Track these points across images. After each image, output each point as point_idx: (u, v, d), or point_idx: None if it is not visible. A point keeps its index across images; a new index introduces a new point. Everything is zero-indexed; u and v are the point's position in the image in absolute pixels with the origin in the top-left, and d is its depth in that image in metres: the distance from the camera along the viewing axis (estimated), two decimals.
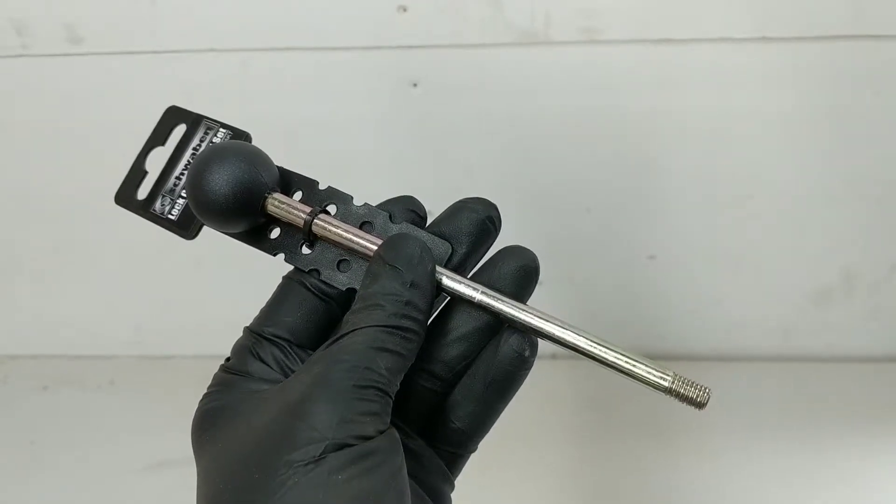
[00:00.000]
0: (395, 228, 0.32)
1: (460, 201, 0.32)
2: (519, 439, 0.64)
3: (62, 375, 0.75)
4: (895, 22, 0.56)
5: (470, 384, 0.31)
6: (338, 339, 0.28)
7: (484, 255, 0.33)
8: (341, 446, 0.26)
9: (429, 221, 0.33)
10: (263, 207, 0.32)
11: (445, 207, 0.33)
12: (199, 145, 0.35)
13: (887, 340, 0.71)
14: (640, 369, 0.29)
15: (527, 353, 0.30)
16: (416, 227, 0.32)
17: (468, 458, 0.33)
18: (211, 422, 0.30)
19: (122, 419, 0.70)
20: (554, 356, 0.72)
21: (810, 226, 0.65)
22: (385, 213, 0.32)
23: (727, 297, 0.70)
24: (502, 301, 0.30)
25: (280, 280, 0.33)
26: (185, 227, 0.35)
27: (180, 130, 0.36)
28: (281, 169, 0.34)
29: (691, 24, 0.57)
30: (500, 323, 0.31)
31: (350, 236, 0.31)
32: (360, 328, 0.28)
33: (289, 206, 0.32)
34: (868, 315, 0.69)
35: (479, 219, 0.32)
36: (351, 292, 0.32)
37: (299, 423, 0.26)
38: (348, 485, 0.25)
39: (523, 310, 0.30)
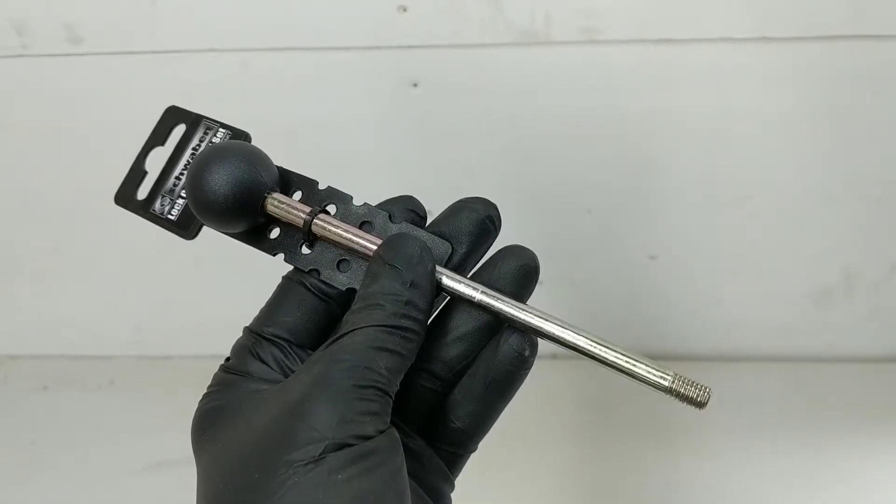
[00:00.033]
0: (394, 228, 0.32)
1: (460, 201, 0.32)
2: (519, 439, 0.64)
3: (62, 375, 0.75)
4: (895, 22, 0.56)
5: (470, 384, 0.31)
6: (337, 339, 0.28)
7: (484, 254, 0.33)
8: (341, 446, 0.26)
9: (429, 221, 0.33)
10: (263, 207, 0.32)
11: (445, 207, 0.33)
12: (199, 145, 0.35)
13: (887, 340, 0.71)
14: (641, 369, 0.29)
15: (527, 353, 0.30)
16: (415, 227, 0.32)
17: (468, 457, 0.33)
18: (211, 422, 0.30)
19: (122, 419, 0.70)
20: (554, 356, 0.72)
21: (810, 226, 0.65)
22: (385, 213, 0.32)
23: (727, 297, 0.70)
24: (502, 301, 0.30)
25: (280, 280, 0.33)
26: (185, 227, 0.35)
27: (180, 130, 0.36)
28: (280, 169, 0.34)
29: (691, 24, 0.57)
30: (500, 322, 0.31)
31: (350, 236, 0.31)
32: (360, 328, 0.28)
33: (288, 206, 0.32)
34: (868, 315, 0.69)
35: (479, 218, 0.32)
36: (351, 292, 0.32)
37: (299, 423, 0.26)
38: (348, 484, 0.25)
39: (523, 309, 0.30)
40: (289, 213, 0.32)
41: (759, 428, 0.65)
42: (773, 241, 0.66)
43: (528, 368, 0.31)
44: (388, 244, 0.30)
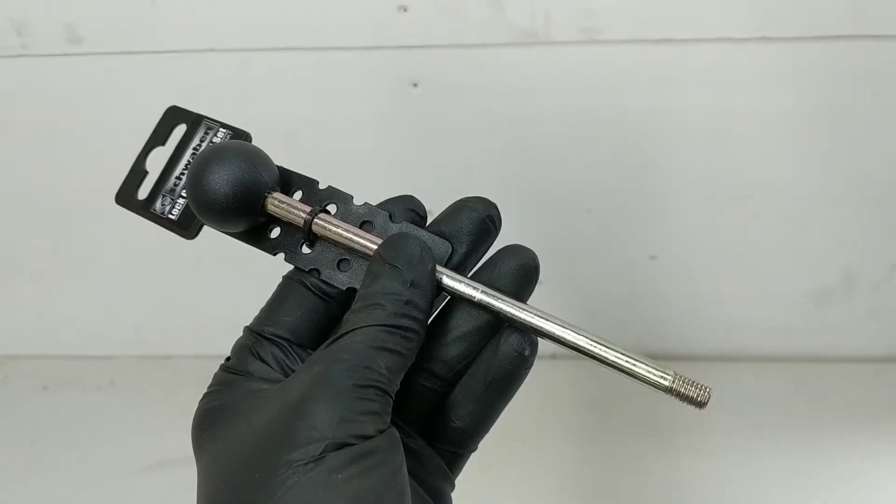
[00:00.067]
0: (395, 228, 0.32)
1: (460, 200, 0.32)
2: (519, 439, 0.64)
3: (62, 375, 0.75)
4: (895, 22, 0.56)
5: (470, 383, 0.31)
6: (338, 339, 0.28)
7: (484, 254, 0.33)
8: (341, 445, 0.26)
9: (429, 221, 0.33)
10: (263, 207, 0.32)
11: (445, 207, 0.33)
12: (200, 145, 0.35)
13: (887, 340, 0.71)
14: (641, 368, 0.29)
15: (527, 353, 0.30)
16: (416, 227, 0.32)
17: (468, 457, 0.33)
18: (211, 421, 0.30)
19: (122, 419, 0.70)
20: (554, 356, 0.72)
21: (810, 226, 0.65)
22: (385, 213, 0.32)
23: (727, 297, 0.70)
24: (502, 300, 0.30)
25: (280, 280, 0.33)
26: (186, 226, 0.35)
27: (181, 130, 0.36)
28: (281, 168, 0.34)
29: (691, 24, 0.57)
30: (501, 322, 0.31)
31: (350, 236, 0.31)
32: (361, 327, 0.28)
33: (289, 206, 0.32)
34: (868, 315, 0.69)
35: (480, 218, 0.32)
36: (351, 292, 0.32)
37: (299, 423, 0.26)
38: (348, 484, 0.25)
39: (523, 309, 0.30)
40: (289, 212, 0.32)
41: (759, 428, 0.65)
42: (773, 241, 0.66)
43: (529, 368, 0.31)
44: (389, 244, 0.30)
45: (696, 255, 0.67)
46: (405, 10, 0.58)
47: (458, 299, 0.31)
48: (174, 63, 0.61)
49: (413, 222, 0.32)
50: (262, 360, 0.31)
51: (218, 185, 0.31)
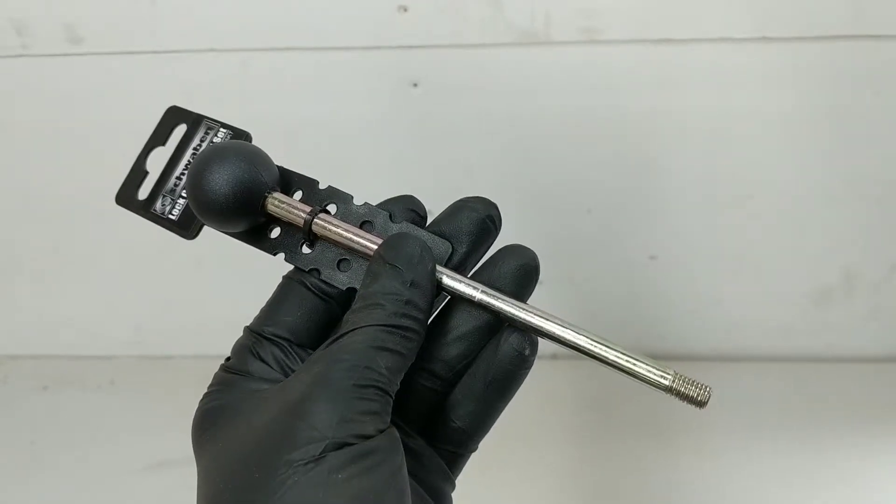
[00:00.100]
0: (395, 228, 0.32)
1: (460, 200, 0.33)
2: (519, 439, 0.64)
3: (62, 375, 0.75)
4: (895, 22, 0.56)
5: (470, 383, 0.31)
6: (338, 339, 0.28)
7: (484, 254, 0.33)
8: (341, 445, 0.26)
9: (429, 221, 0.33)
10: (263, 207, 0.32)
11: (445, 207, 0.33)
12: (200, 145, 0.35)
13: (887, 340, 0.71)
14: (641, 368, 0.29)
15: (527, 352, 0.30)
16: (416, 227, 0.32)
17: (468, 457, 0.33)
18: (211, 421, 0.30)
19: (122, 419, 0.70)
20: (554, 356, 0.72)
21: (810, 226, 0.65)
22: (385, 213, 0.32)
23: (727, 297, 0.70)
24: (502, 300, 0.30)
25: (280, 280, 0.33)
26: (186, 227, 0.35)
27: (181, 130, 0.36)
28: (281, 168, 0.34)
29: (691, 24, 0.57)
30: (501, 322, 0.31)
31: (350, 236, 0.31)
32: (361, 327, 0.28)
33: (289, 206, 0.32)
34: (868, 315, 0.69)
35: (480, 218, 0.32)
36: (351, 292, 0.32)
37: (299, 423, 0.26)
38: (348, 484, 0.25)
39: (523, 309, 0.30)
40: (289, 212, 0.32)
41: (759, 428, 0.65)
42: (773, 241, 0.66)
43: (529, 368, 0.31)
44: (389, 244, 0.30)
45: (696, 255, 0.67)
46: (405, 10, 0.58)
47: (458, 299, 0.31)
48: (174, 63, 0.61)
49: (413, 222, 0.32)
50: (262, 360, 0.31)
51: (218, 185, 0.31)
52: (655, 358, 0.30)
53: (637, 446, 0.64)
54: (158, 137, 0.37)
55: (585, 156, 0.63)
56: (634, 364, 0.29)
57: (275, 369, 0.30)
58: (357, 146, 0.64)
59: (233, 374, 0.31)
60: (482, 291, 0.30)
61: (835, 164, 0.62)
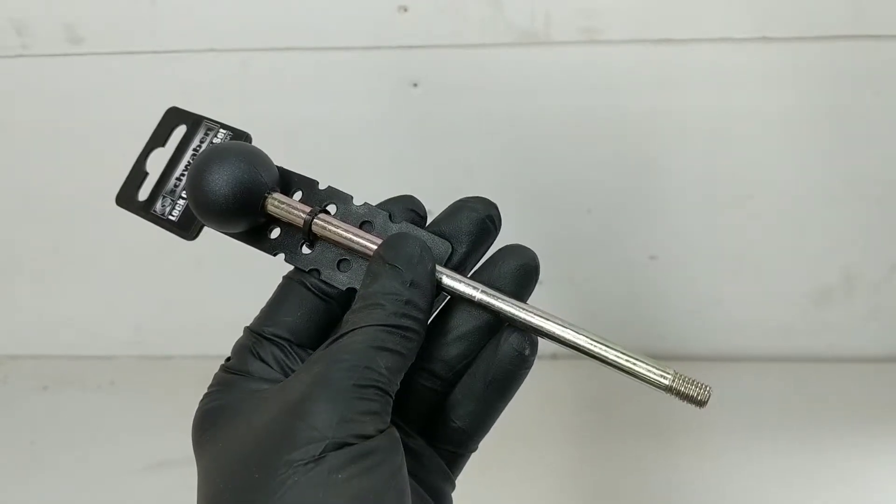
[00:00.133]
0: (395, 228, 0.32)
1: (460, 200, 0.33)
2: (519, 439, 0.64)
3: (62, 375, 0.75)
4: (895, 22, 0.56)
5: (470, 383, 0.31)
6: (338, 339, 0.29)
7: (484, 254, 0.33)
8: (341, 445, 0.26)
9: (429, 221, 0.33)
10: (263, 207, 0.32)
11: (445, 207, 0.33)
12: (200, 146, 0.35)
13: (887, 340, 0.71)
14: (641, 367, 0.29)
15: (527, 352, 0.30)
16: (415, 227, 0.32)
17: (469, 457, 0.33)
18: (211, 421, 0.30)
19: (122, 419, 0.70)
20: (554, 356, 0.72)
21: (810, 226, 0.65)
22: (385, 213, 0.33)
23: (727, 298, 0.70)
24: (502, 300, 0.30)
25: (280, 280, 0.33)
26: (186, 227, 0.35)
27: (181, 131, 0.36)
28: (281, 169, 0.34)
29: (691, 24, 0.57)
30: (501, 322, 0.31)
31: (350, 236, 0.32)
32: (360, 327, 0.28)
33: (289, 206, 0.32)
34: (868, 315, 0.69)
35: (479, 218, 0.32)
36: (351, 292, 0.32)
37: (299, 423, 0.26)
38: (348, 484, 0.25)
39: (523, 308, 0.30)
40: (289, 212, 0.32)
41: (759, 428, 0.65)
42: (773, 241, 0.66)
43: (529, 367, 0.31)
44: (389, 244, 0.30)
45: (696, 255, 0.67)
46: (405, 10, 0.58)
47: (458, 299, 0.31)
48: (174, 63, 0.61)
49: (413, 222, 0.32)
50: (262, 361, 0.31)
51: (218, 185, 0.31)
52: (655, 358, 0.30)
53: (637, 446, 0.64)
54: (158, 138, 0.37)
55: (585, 156, 0.63)
56: (634, 364, 0.29)
57: (275, 369, 0.30)
58: (357, 146, 0.64)
59: (233, 374, 0.31)
60: (482, 291, 0.30)
61: (835, 164, 0.62)
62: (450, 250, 0.31)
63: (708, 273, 0.69)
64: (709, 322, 0.71)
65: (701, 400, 0.29)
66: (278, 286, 0.33)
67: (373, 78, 0.61)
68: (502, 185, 0.65)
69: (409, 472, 0.29)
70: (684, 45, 0.58)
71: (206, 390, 0.31)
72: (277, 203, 0.32)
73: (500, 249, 0.32)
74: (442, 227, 0.32)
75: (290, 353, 0.31)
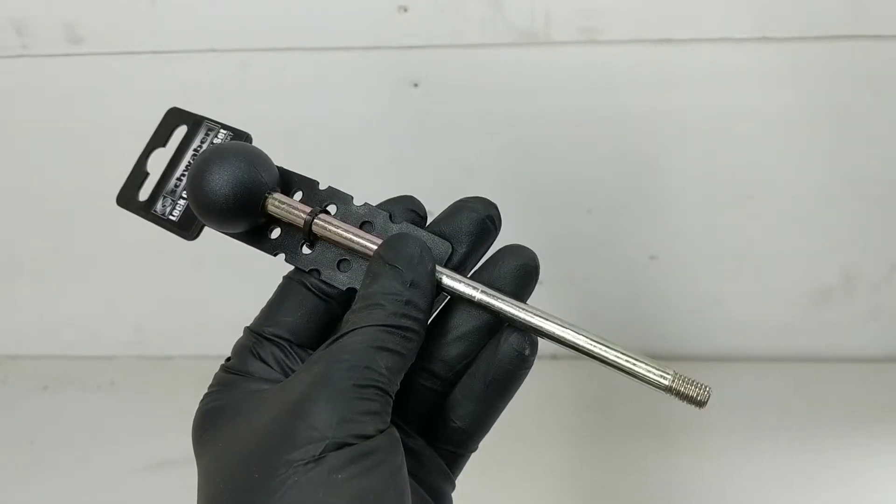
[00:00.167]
0: (395, 228, 0.32)
1: (460, 200, 0.33)
2: (519, 439, 0.64)
3: (62, 375, 0.75)
4: (895, 22, 0.56)
5: (470, 383, 0.31)
6: (338, 339, 0.29)
7: (484, 254, 0.33)
8: (341, 445, 0.26)
9: (429, 221, 0.33)
10: (264, 207, 0.32)
11: (445, 207, 0.33)
12: (200, 146, 0.35)
13: (887, 340, 0.71)
14: (641, 367, 0.29)
15: (527, 352, 0.30)
16: (416, 227, 0.32)
17: (469, 457, 0.33)
18: (211, 422, 0.30)
19: (122, 419, 0.70)
20: (554, 356, 0.72)
21: (810, 226, 0.65)
22: (385, 213, 0.33)
23: (727, 298, 0.70)
24: (502, 300, 0.30)
25: (280, 280, 0.33)
26: (187, 227, 0.35)
27: (181, 132, 0.36)
28: (281, 169, 0.34)
29: (691, 24, 0.57)
30: (501, 322, 0.31)
31: (350, 236, 0.32)
32: (360, 327, 0.28)
33: (289, 206, 0.32)
34: (868, 315, 0.69)
35: (479, 218, 0.32)
36: (351, 292, 0.32)
37: (299, 423, 0.26)
38: (348, 484, 0.25)
39: (523, 308, 0.30)
40: (289, 213, 0.32)
41: (759, 428, 0.65)
42: (773, 241, 0.66)
43: (529, 367, 0.31)
44: (389, 244, 0.30)
45: (696, 255, 0.67)
46: (405, 10, 0.58)
47: (458, 299, 0.31)
48: (174, 63, 0.61)
49: (413, 222, 0.32)
50: (263, 361, 0.31)
51: (218, 186, 0.31)
52: (655, 358, 0.30)
53: (637, 446, 0.64)
54: (159, 139, 0.37)
55: (585, 156, 0.63)
56: (634, 364, 0.29)
57: (275, 369, 0.30)
58: (357, 146, 0.64)
59: (233, 374, 0.31)
60: (482, 291, 0.30)
61: (835, 164, 0.62)
62: (450, 250, 0.31)
63: (708, 273, 0.69)
64: (709, 322, 0.71)
65: (701, 400, 0.29)
66: (278, 286, 0.33)
67: (373, 78, 0.61)
68: (502, 185, 0.65)
69: (409, 472, 0.29)
70: (684, 45, 0.58)
71: (206, 390, 0.31)
72: (278, 203, 0.32)
73: (500, 249, 0.32)
74: (442, 227, 0.32)
75: (290, 353, 0.31)
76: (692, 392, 0.29)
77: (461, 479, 0.33)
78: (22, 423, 0.71)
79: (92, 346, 0.77)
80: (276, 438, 0.27)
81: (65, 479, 0.65)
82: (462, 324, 0.31)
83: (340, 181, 0.35)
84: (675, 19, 0.57)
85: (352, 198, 0.33)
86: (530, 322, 0.30)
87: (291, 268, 0.33)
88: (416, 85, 0.61)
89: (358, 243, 0.31)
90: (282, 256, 0.33)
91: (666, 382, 0.29)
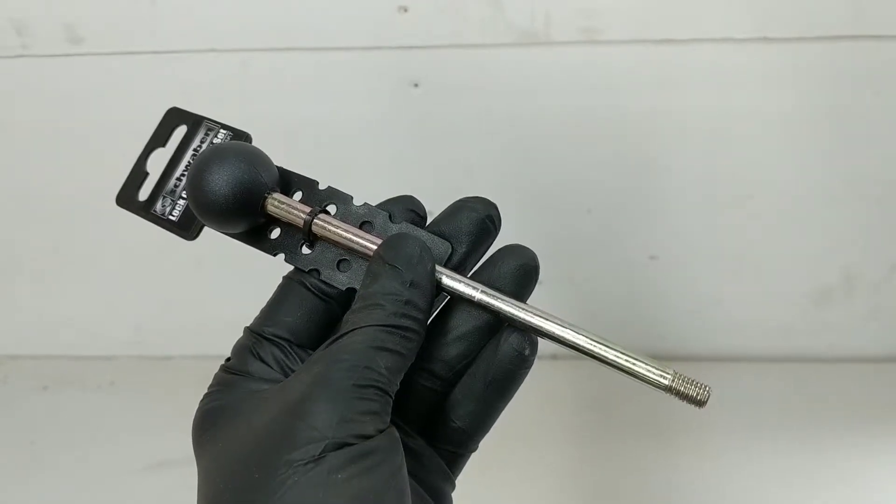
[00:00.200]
0: (394, 228, 0.32)
1: (460, 200, 0.33)
2: (519, 439, 0.64)
3: (62, 375, 0.75)
4: (895, 22, 0.56)
5: (470, 383, 0.31)
6: (338, 339, 0.29)
7: (484, 254, 0.33)
8: (341, 445, 0.26)
9: (429, 221, 0.33)
10: (263, 207, 0.32)
11: (445, 207, 0.33)
12: (200, 146, 0.35)
13: (887, 340, 0.71)
14: (641, 367, 0.29)
15: (527, 352, 0.30)
16: (415, 227, 0.32)
17: (469, 457, 0.33)
18: (211, 422, 0.30)
19: (122, 419, 0.70)
20: (554, 356, 0.72)
21: (810, 226, 0.65)
22: (385, 213, 0.33)
23: (727, 298, 0.70)
24: (502, 300, 0.30)
25: (280, 280, 0.33)
26: (186, 227, 0.35)
27: (181, 132, 0.36)
28: (281, 169, 0.34)
29: (691, 24, 0.57)
30: (500, 322, 0.31)
31: (350, 236, 0.32)
32: (360, 327, 0.28)
33: (289, 206, 0.32)
34: (868, 315, 0.69)
35: (479, 218, 0.32)
36: (351, 292, 0.32)
37: (299, 423, 0.26)
38: (348, 484, 0.25)
39: (523, 308, 0.30)
40: (289, 213, 0.32)
41: (759, 428, 0.65)
42: (773, 241, 0.66)
43: (529, 367, 0.31)
44: (388, 244, 0.30)
45: (696, 255, 0.67)
46: (405, 10, 0.58)
47: (457, 299, 0.31)
48: (174, 63, 0.61)
49: (413, 222, 0.32)
50: (262, 361, 0.31)
51: (218, 186, 0.31)
52: (655, 358, 0.30)
53: (637, 446, 0.64)
54: (159, 139, 0.37)
55: (585, 156, 0.63)
56: (634, 364, 0.29)
57: (275, 370, 0.30)
58: (357, 146, 0.64)
59: (233, 374, 0.31)
60: (482, 291, 0.30)
61: (835, 164, 0.62)
62: (450, 250, 0.31)
63: (708, 273, 0.69)
64: (709, 322, 0.71)
65: (700, 400, 0.29)
66: (278, 286, 0.33)
67: (373, 78, 0.61)
68: (502, 185, 0.65)
69: (409, 472, 0.29)
70: (684, 45, 0.58)
71: (206, 390, 0.31)
72: (277, 203, 0.32)
73: (499, 249, 0.32)
74: (442, 227, 0.32)
75: (290, 353, 0.31)
76: (692, 392, 0.29)
77: (461, 479, 0.33)
78: (22, 423, 0.71)
79: (92, 346, 0.77)
80: (276, 438, 0.27)
81: (65, 479, 0.65)
82: (462, 324, 0.31)
83: (340, 181, 0.35)
84: (675, 19, 0.57)
85: (351, 198, 0.33)
86: (530, 322, 0.30)
87: (291, 268, 0.33)
88: (416, 85, 0.61)
89: (358, 243, 0.31)
90: (281, 256, 0.33)
91: (666, 382, 0.29)
